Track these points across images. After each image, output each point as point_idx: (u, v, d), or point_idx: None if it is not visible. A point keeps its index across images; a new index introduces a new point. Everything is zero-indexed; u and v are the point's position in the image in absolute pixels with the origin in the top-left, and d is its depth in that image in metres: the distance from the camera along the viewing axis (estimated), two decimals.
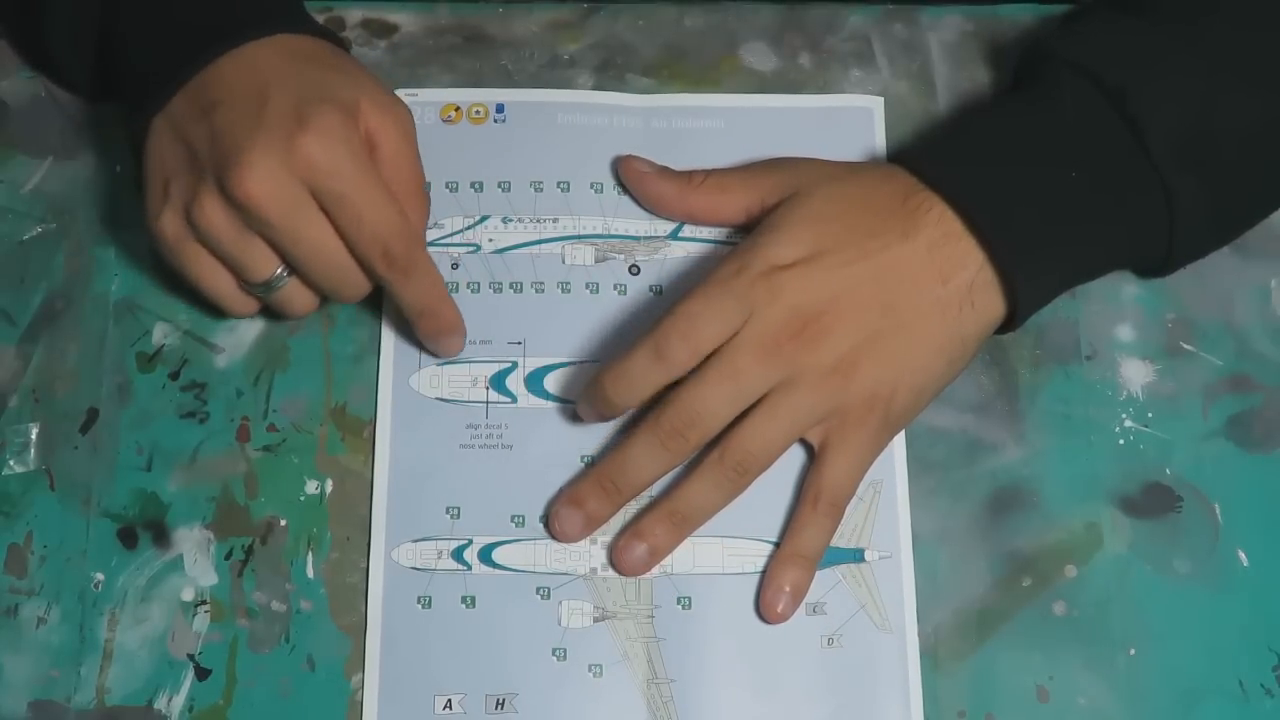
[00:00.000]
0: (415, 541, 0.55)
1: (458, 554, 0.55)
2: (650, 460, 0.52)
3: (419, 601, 0.54)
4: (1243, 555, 0.55)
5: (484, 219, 0.59)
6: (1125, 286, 0.59)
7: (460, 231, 0.59)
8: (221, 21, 0.53)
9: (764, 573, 0.54)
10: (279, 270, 0.53)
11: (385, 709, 0.53)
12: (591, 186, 0.60)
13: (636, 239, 0.59)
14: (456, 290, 0.58)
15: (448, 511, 0.55)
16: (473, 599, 0.54)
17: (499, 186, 0.60)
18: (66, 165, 0.60)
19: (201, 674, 0.53)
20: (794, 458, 0.55)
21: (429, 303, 0.54)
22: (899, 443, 0.56)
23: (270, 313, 0.56)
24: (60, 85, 0.61)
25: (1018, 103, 0.56)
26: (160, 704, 0.53)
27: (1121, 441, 0.57)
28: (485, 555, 0.55)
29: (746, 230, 0.57)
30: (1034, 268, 0.53)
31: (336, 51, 0.55)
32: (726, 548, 0.55)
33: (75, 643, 0.54)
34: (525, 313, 0.58)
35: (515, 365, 0.57)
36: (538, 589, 0.54)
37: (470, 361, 0.57)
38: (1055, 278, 0.55)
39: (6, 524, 0.55)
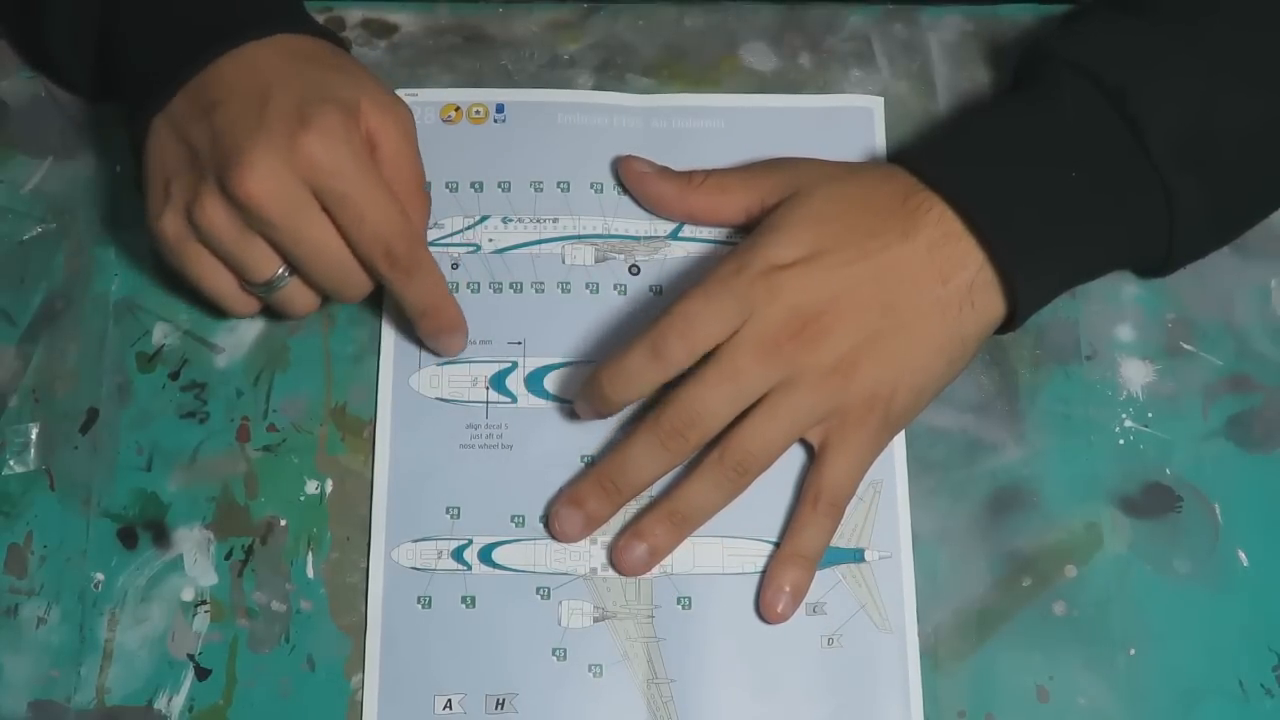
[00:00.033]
0: (415, 541, 0.55)
1: (458, 554, 0.55)
2: (650, 460, 0.52)
3: (419, 601, 0.54)
4: (1243, 555, 0.55)
5: (484, 219, 0.59)
6: (1125, 286, 0.59)
7: (460, 231, 0.59)
8: (222, 21, 0.53)
9: (764, 573, 0.54)
10: (280, 270, 0.53)
11: (385, 709, 0.53)
12: (591, 186, 0.60)
13: (636, 239, 0.59)
14: (457, 290, 0.58)
15: (448, 511, 0.55)
16: (473, 599, 0.54)
17: (499, 186, 0.60)
18: (66, 165, 0.60)
19: (201, 674, 0.53)
20: (794, 458, 0.55)
21: (431, 302, 0.54)
22: (899, 443, 0.56)
23: (270, 313, 0.56)
24: (60, 85, 0.61)
25: (1018, 103, 0.56)
26: (160, 704, 0.53)
27: (1121, 441, 0.57)
28: (485, 555, 0.55)
29: (746, 230, 0.57)
30: (1034, 268, 0.53)
31: (337, 51, 0.55)
32: (726, 548, 0.55)
33: (75, 643, 0.54)
34: (525, 313, 0.58)
35: (515, 365, 0.57)
36: (538, 589, 0.54)
37: (470, 361, 0.57)
38: (1055, 278, 0.55)
39: (6, 524, 0.55)
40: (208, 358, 0.57)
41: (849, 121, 0.61)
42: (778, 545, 0.55)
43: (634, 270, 0.59)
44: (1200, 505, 0.56)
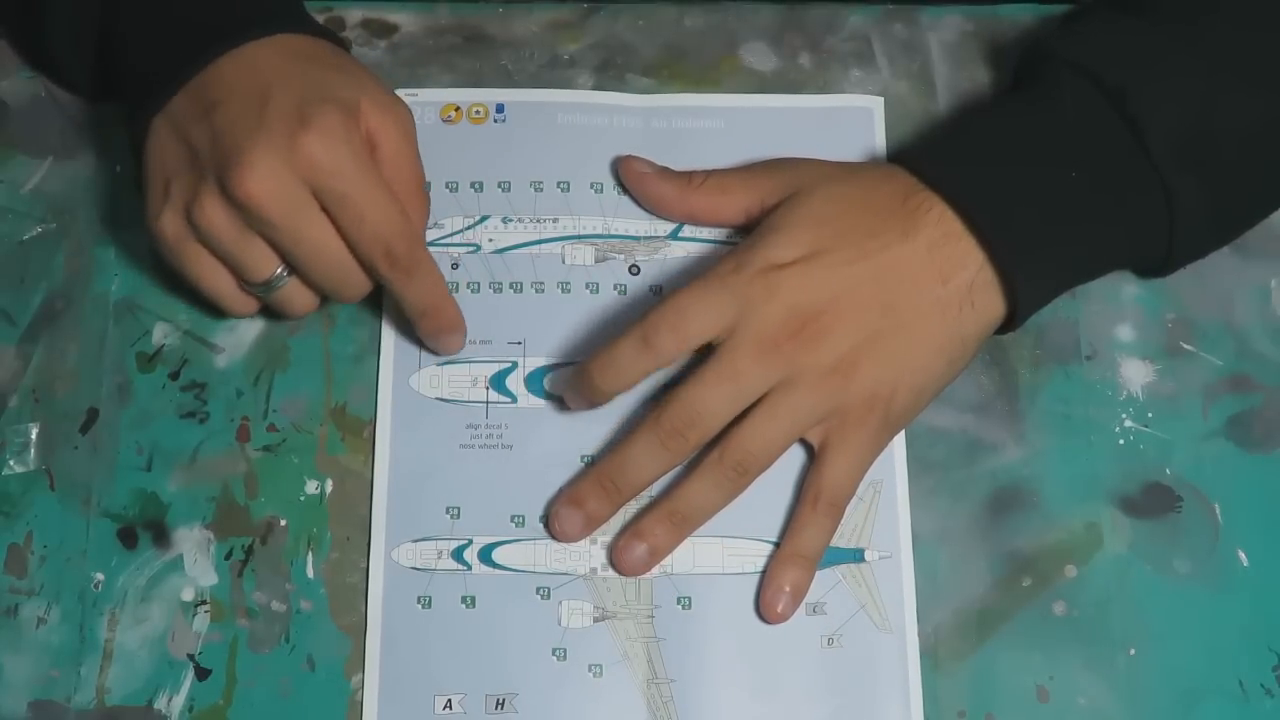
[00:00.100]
0: (415, 541, 0.55)
1: (458, 554, 0.55)
2: (650, 460, 0.52)
3: (419, 601, 0.54)
4: (1243, 555, 0.55)
5: (484, 219, 0.59)
6: (1125, 286, 0.59)
7: (460, 231, 0.59)
8: (222, 21, 0.53)
9: (764, 573, 0.54)
10: (279, 270, 0.53)
11: (385, 709, 0.53)
12: (591, 186, 0.60)
13: (636, 239, 0.59)
14: (456, 290, 0.58)
15: (448, 511, 0.55)
16: (473, 599, 0.54)
17: (499, 186, 0.60)
18: (66, 165, 0.60)
19: (201, 674, 0.53)
20: (794, 458, 0.55)
21: (431, 301, 0.54)
22: (899, 443, 0.56)
23: (270, 313, 0.56)
24: (60, 85, 0.61)
25: (1018, 103, 0.56)
26: (160, 704, 0.53)
27: (1121, 441, 0.57)
28: (485, 555, 0.55)
29: (747, 231, 0.57)
30: (1034, 268, 0.53)
31: (337, 51, 0.55)
32: (726, 548, 0.55)
33: (75, 643, 0.54)
34: (525, 313, 0.58)
35: (515, 365, 0.57)
36: (538, 589, 0.54)
37: (470, 361, 0.57)
38: (1055, 278, 0.55)
39: (6, 524, 0.55)
40: (208, 358, 0.57)
41: (849, 121, 0.61)
42: (778, 545, 0.55)
43: (634, 270, 0.59)
44: (1200, 505, 0.56)
